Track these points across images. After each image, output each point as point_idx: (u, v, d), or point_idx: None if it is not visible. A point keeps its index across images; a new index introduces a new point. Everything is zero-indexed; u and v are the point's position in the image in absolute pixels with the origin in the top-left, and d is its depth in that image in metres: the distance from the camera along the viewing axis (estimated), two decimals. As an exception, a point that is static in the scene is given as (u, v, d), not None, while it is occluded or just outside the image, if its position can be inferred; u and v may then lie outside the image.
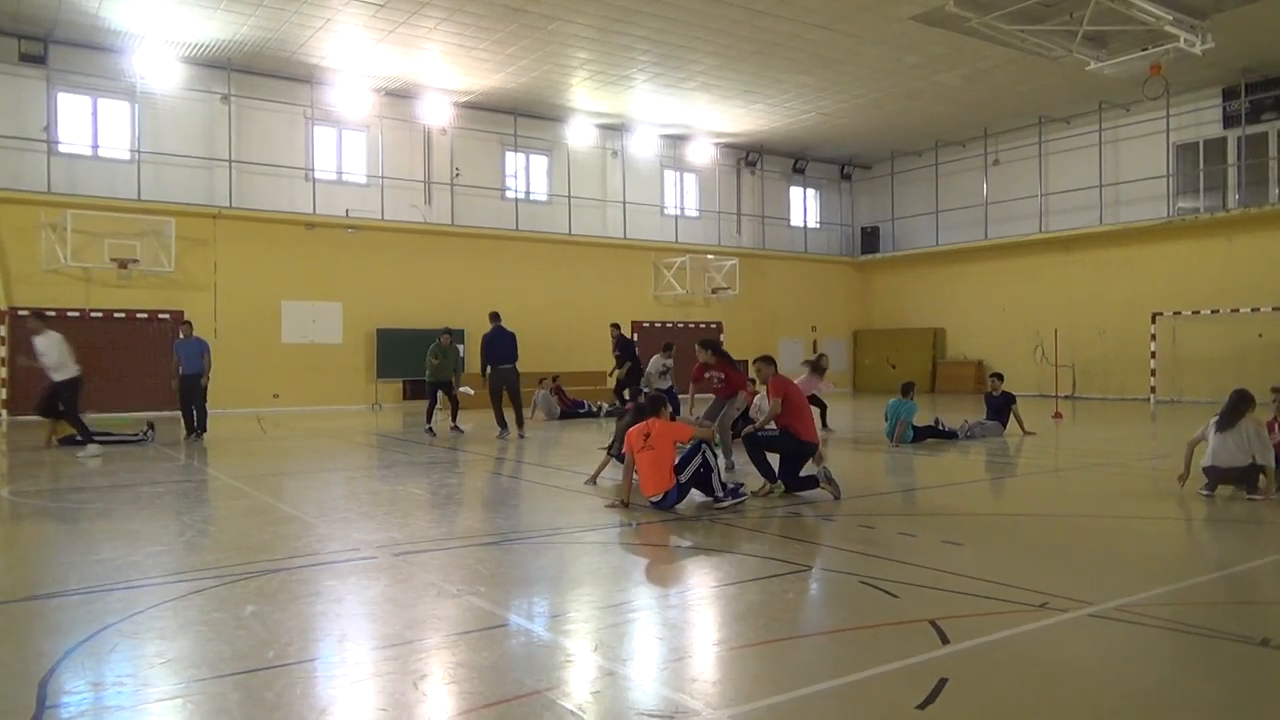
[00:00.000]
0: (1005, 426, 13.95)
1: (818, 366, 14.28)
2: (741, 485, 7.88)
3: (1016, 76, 21.39)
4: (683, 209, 28.05)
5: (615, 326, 18.01)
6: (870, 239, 30.87)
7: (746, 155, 28.57)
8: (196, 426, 14.28)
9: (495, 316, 14.52)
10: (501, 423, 14.22)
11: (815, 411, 12.85)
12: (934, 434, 13.10)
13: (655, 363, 15.31)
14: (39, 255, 18.27)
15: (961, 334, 28.20)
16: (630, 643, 4.22)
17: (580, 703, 3.39)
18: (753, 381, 11.36)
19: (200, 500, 8.93)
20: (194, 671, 3.77)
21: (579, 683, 3.64)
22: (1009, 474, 10.84)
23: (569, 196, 25.32)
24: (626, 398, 16.28)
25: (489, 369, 14.02)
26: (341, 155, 22.36)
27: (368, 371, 22.02)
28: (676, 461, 7.52)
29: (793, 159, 29.60)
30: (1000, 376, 14.75)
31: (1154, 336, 22.42)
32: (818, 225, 31.18)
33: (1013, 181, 26.71)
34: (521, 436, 14.10)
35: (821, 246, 30.99)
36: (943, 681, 3.51)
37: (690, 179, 28.15)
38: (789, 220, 30.40)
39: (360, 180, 22.47)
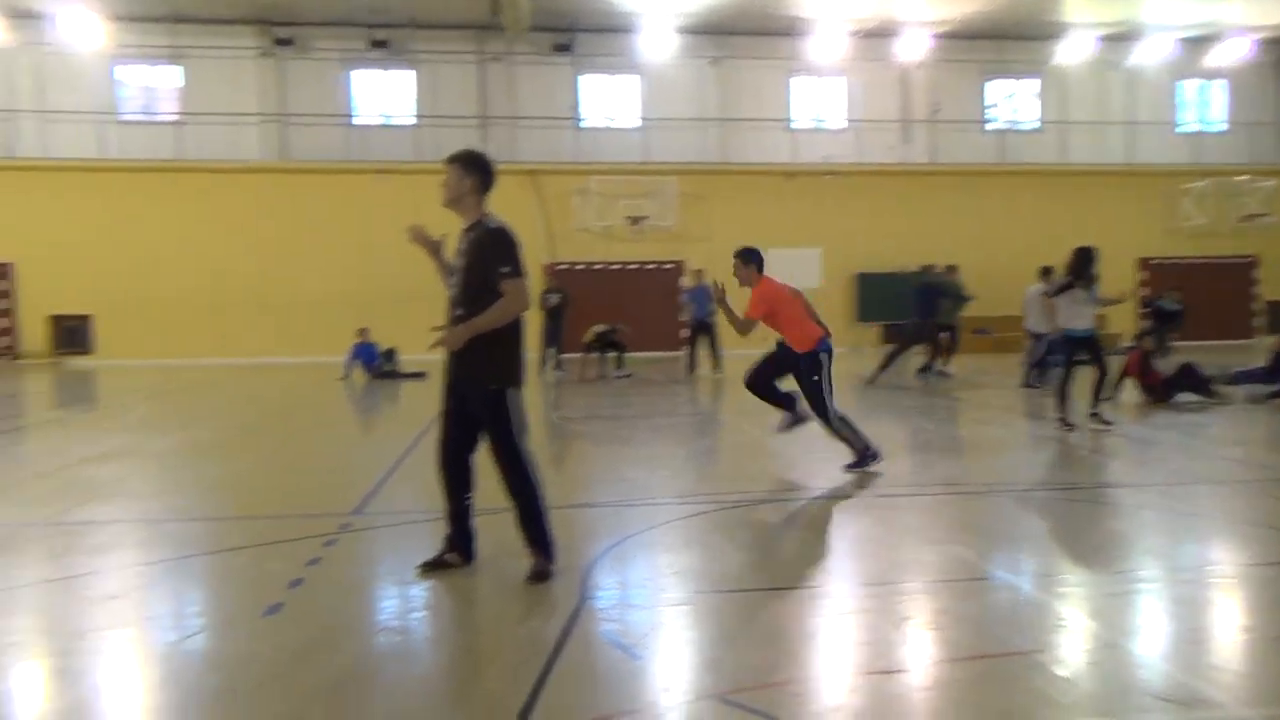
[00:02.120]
0: None
1: None
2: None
3: None
4: (1205, 124, 23.84)
5: (1046, 271, 13.08)
6: None
7: (1299, 48, 23.34)
8: (714, 366, 15.68)
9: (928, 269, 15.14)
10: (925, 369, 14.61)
11: None
12: None
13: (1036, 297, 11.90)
14: (571, 217, 21.45)
15: None
16: (1135, 615, 3.85)
17: (1075, 672, 3.19)
18: None
19: (702, 432, 9.98)
20: (696, 584, 4.26)
21: (1073, 650, 3.42)
22: None
23: (1061, 122, 22.95)
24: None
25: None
26: (819, 103, 22.74)
27: (847, 315, 22.37)
28: None
29: (1369, 45, 23.51)
30: None
31: None
32: (1406, 127, 24.49)
33: None
34: (942, 374, 14.36)
35: None
36: None
37: (1216, 88, 23.77)
38: (1361, 124, 24.31)
39: (837, 126, 22.69)
